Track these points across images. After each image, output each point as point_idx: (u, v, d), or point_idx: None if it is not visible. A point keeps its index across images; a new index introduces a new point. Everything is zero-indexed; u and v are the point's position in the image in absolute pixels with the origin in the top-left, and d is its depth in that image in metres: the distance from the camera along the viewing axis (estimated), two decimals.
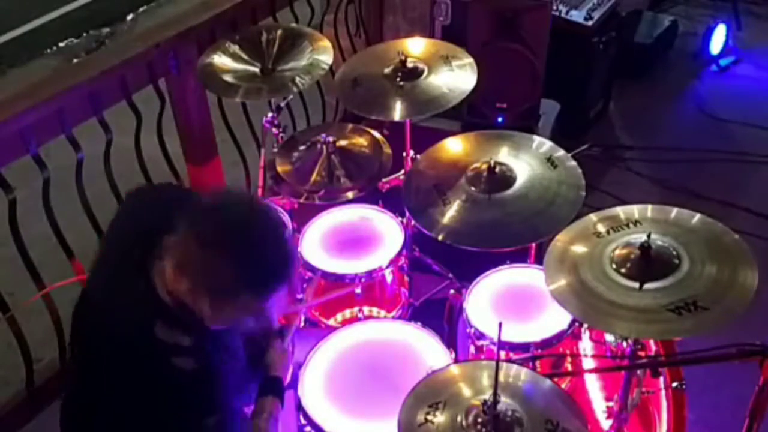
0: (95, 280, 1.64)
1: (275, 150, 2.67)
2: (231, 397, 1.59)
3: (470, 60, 2.49)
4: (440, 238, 2.02)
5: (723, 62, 4.59)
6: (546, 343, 2.06)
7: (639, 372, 1.83)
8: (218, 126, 3.07)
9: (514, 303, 2.19)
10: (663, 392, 1.96)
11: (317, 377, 1.94)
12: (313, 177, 2.53)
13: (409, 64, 2.47)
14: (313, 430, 1.84)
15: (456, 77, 2.44)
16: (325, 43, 2.66)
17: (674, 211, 1.79)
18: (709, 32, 4.55)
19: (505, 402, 1.54)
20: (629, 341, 1.78)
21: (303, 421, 1.86)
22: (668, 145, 3.94)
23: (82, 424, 1.63)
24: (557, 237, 1.82)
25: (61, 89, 2.39)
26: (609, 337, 1.99)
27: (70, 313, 1.64)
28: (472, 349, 2.15)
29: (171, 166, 2.95)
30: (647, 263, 1.64)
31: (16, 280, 2.57)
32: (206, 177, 3.03)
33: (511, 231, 2.01)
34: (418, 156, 2.36)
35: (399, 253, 2.38)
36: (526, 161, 2.17)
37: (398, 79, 2.45)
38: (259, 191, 2.83)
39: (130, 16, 5.60)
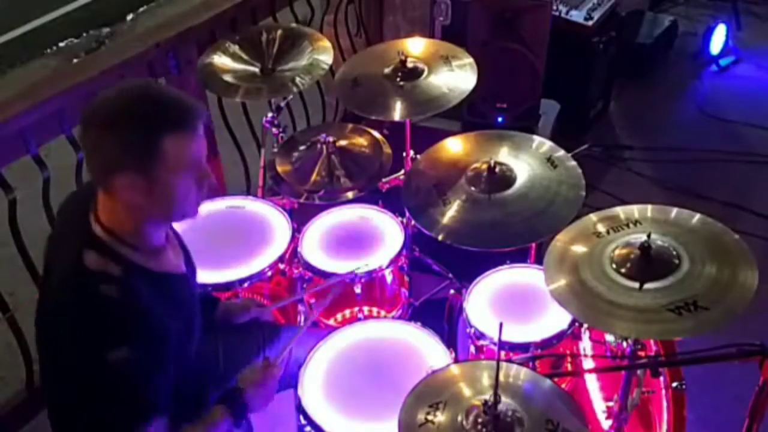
0: (47, 249, 1.66)
1: (275, 150, 2.67)
2: (158, 340, 1.52)
3: (470, 60, 2.50)
4: (440, 238, 2.02)
5: (723, 62, 4.60)
6: (546, 343, 2.06)
7: (639, 372, 1.83)
8: (218, 126, 3.07)
9: (514, 303, 2.19)
10: (663, 392, 1.96)
11: (317, 377, 1.94)
12: (313, 177, 2.53)
13: (409, 64, 2.47)
14: (313, 430, 1.84)
15: (456, 77, 2.44)
16: (325, 43, 2.66)
17: (674, 211, 1.79)
18: (709, 32, 4.55)
19: (505, 402, 1.54)
20: (629, 341, 1.78)
21: (303, 421, 1.86)
22: (668, 145, 3.94)
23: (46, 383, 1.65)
24: (557, 237, 1.82)
25: (61, 89, 2.39)
26: (609, 337, 1.99)
27: None
28: (472, 349, 2.15)
29: None
30: (647, 263, 1.64)
31: (16, 280, 2.57)
32: None
33: (511, 231, 2.01)
34: (418, 156, 2.36)
35: (399, 253, 2.37)
36: (526, 161, 2.17)
37: (398, 79, 2.45)
38: (259, 191, 2.83)
39: (130, 16, 5.60)
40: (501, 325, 1.51)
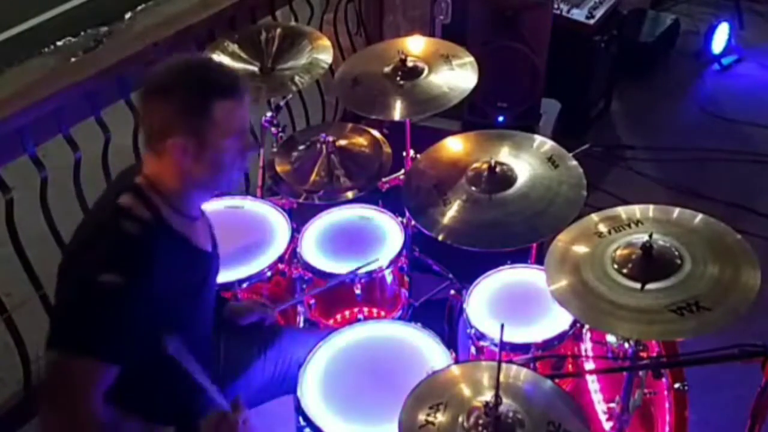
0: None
1: (274, 150, 2.66)
2: (155, 292, 1.55)
3: (471, 59, 2.49)
4: (440, 238, 2.01)
5: (725, 61, 4.59)
6: (547, 344, 2.05)
7: (641, 373, 1.82)
8: None
9: (515, 303, 2.18)
10: (665, 393, 1.95)
11: (317, 378, 1.92)
12: (313, 177, 2.52)
13: (410, 63, 2.46)
14: (312, 431, 1.82)
15: (456, 76, 2.43)
16: (325, 42, 2.65)
17: (676, 211, 1.78)
18: (711, 31, 4.54)
19: (506, 403, 1.53)
20: (631, 342, 1.77)
21: (302, 423, 1.85)
22: (670, 145, 3.93)
23: None
24: (558, 237, 1.81)
25: (58, 88, 2.38)
26: (610, 338, 1.98)
27: None
28: (472, 349, 2.13)
29: None
30: (649, 263, 1.63)
31: (13, 281, 2.56)
32: None
33: (512, 231, 2.00)
34: (418, 156, 2.35)
35: (399, 253, 2.36)
36: (526, 161, 2.16)
37: (398, 79, 2.44)
38: (258, 191, 2.82)
39: (128, 15, 5.59)
40: (502, 326, 1.50)
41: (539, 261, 2.29)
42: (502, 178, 2.10)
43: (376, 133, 2.69)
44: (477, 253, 1.98)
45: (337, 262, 2.35)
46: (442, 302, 2.52)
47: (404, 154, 2.65)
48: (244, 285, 2.25)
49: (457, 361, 1.98)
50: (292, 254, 2.40)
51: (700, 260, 1.63)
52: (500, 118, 3.21)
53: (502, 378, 1.52)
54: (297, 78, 2.51)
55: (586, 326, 2.11)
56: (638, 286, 1.61)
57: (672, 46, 4.66)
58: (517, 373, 1.66)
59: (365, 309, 2.39)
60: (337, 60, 2.76)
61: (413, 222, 2.24)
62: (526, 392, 1.61)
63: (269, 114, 2.67)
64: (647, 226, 1.73)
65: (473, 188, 2.10)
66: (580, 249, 1.74)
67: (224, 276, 2.24)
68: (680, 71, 4.57)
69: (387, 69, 2.48)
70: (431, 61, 2.50)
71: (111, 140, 2.62)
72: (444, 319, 2.41)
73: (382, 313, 2.42)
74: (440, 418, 1.55)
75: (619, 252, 1.68)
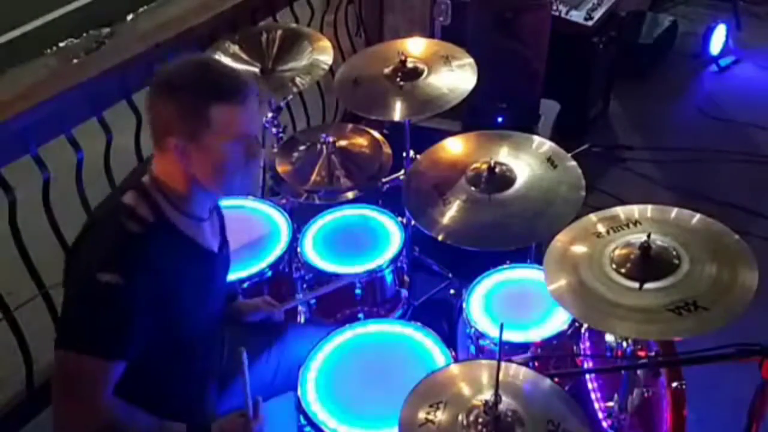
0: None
1: (275, 150, 2.67)
2: (157, 291, 1.55)
3: (470, 60, 2.50)
4: (440, 238, 2.02)
5: (723, 62, 4.60)
6: (546, 344, 2.06)
7: (639, 372, 1.83)
8: None
9: (514, 303, 2.19)
10: (663, 392, 1.96)
11: (317, 377, 1.93)
12: (313, 177, 2.53)
13: (409, 64, 2.47)
14: (312, 430, 1.84)
15: (456, 77, 2.45)
16: (325, 43, 2.66)
17: (674, 211, 1.79)
18: (709, 32, 4.55)
19: (506, 402, 1.54)
20: (629, 341, 1.78)
21: (303, 422, 1.86)
22: (668, 145, 3.94)
23: None
24: (557, 237, 1.82)
25: (60, 89, 2.38)
26: (609, 337, 1.99)
27: None
28: (472, 348, 2.15)
29: None
30: (647, 263, 1.64)
31: (15, 280, 2.56)
32: None
33: (511, 231, 2.01)
34: (418, 156, 2.37)
35: (399, 253, 2.37)
36: (526, 161, 2.17)
37: (398, 79, 2.45)
38: (259, 191, 2.83)
39: (130, 17, 5.60)
40: (502, 325, 1.51)
41: (538, 261, 2.30)
42: (502, 179, 2.11)
43: (376, 133, 2.70)
44: (476, 253, 1.99)
45: (338, 262, 2.36)
46: (442, 302, 2.53)
47: (404, 154, 2.66)
48: (245, 284, 2.26)
49: (456, 360, 2.00)
50: (292, 254, 2.41)
51: (698, 260, 1.64)
52: (499, 119, 3.22)
53: (501, 377, 1.52)
54: (298, 79, 2.52)
55: (585, 325, 2.12)
56: (636, 285, 1.62)
57: (670, 48, 4.68)
58: (516, 372, 1.67)
59: (365, 308, 2.40)
60: (337, 61, 2.77)
61: (413, 222, 2.25)
62: (525, 391, 1.62)
63: (270, 114, 2.69)
64: (645, 226, 1.74)
65: (473, 188, 2.11)
66: (579, 249, 1.75)
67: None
68: (678, 72, 4.58)
69: (387, 70, 2.49)
70: (431, 62, 2.51)
71: (113, 140, 2.63)
72: (444, 319, 2.42)
73: (382, 313, 2.43)
74: (440, 416, 1.56)
75: (617, 252, 1.69)
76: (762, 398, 1.63)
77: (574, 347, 2.18)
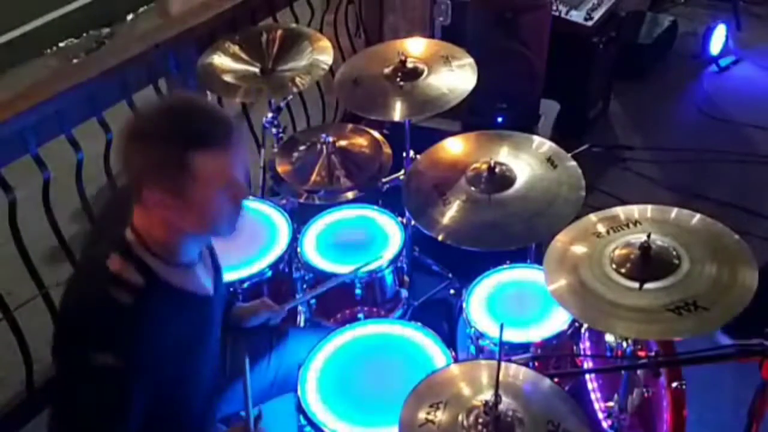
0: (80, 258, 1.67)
1: (275, 150, 2.67)
2: (153, 361, 1.47)
3: (470, 60, 2.50)
4: (440, 238, 2.02)
5: (723, 62, 4.60)
6: (546, 344, 2.06)
7: (639, 372, 1.83)
8: None
9: (514, 303, 2.19)
10: (663, 392, 1.96)
11: (317, 377, 1.93)
12: (313, 177, 2.53)
13: (409, 65, 2.47)
14: (312, 430, 1.84)
15: (456, 77, 2.45)
16: (325, 43, 2.66)
17: (674, 211, 1.79)
18: (709, 32, 4.55)
19: (506, 402, 1.55)
20: (629, 341, 1.78)
21: (303, 422, 1.86)
22: (668, 146, 3.94)
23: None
24: (557, 237, 1.82)
25: (60, 89, 2.39)
26: (609, 337, 1.99)
27: None
28: (472, 349, 2.15)
29: None
30: (647, 263, 1.64)
31: (15, 280, 2.57)
32: None
33: (511, 231, 2.01)
34: (418, 156, 2.37)
35: (399, 253, 2.37)
36: (526, 161, 2.17)
37: (398, 80, 2.45)
38: (259, 191, 2.83)
39: (130, 17, 5.59)
40: (502, 325, 1.51)
41: (538, 261, 2.30)
42: (502, 179, 2.11)
43: (376, 133, 2.70)
44: (476, 253, 1.99)
45: (338, 262, 2.36)
46: (442, 302, 2.53)
47: (404, 154, 2.66)
48: (245, 284, 2.26)
49: (456, 360, 2.00)
50: (292, 254, 2.41)
51: (698, 260, 1.64)
52: (499, 119, 3.22)
53: (501, 377, 1.53)
54: (297, 79, 2.52)
55: (585, 325, 2.13)
56: (636, 285, 1.62)
57: (670, 48, 4.67)
58: (516, 372, 1.67)
59: (365, 309, 2.40)
60: (337, 61, 2.77)
61: (413, 222, 2.25)
62: (525, 391, 1.62)
63: (270, 115, 2.69)
64: (645, 226, 1.74)
65: (473, 188, 2.11)
66: (579, 249, 1.75)
67: (225, 276, 2.25)
68: (678, 72, 4.58)
69: (387, 70, 2.49)
70: (431, 62, 2.51)
71: (113, 141, 2.63)
72: (444, 319, 2.42)
73: (382, 313, 2.44)
74: (440, 416, 1.56)
75: (617, 252, 1.69)
76: (762, 398, 1.64)
77: (574, 347, 2.18)
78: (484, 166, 2.12)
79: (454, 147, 2.28)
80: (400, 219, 2.49)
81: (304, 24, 3.30)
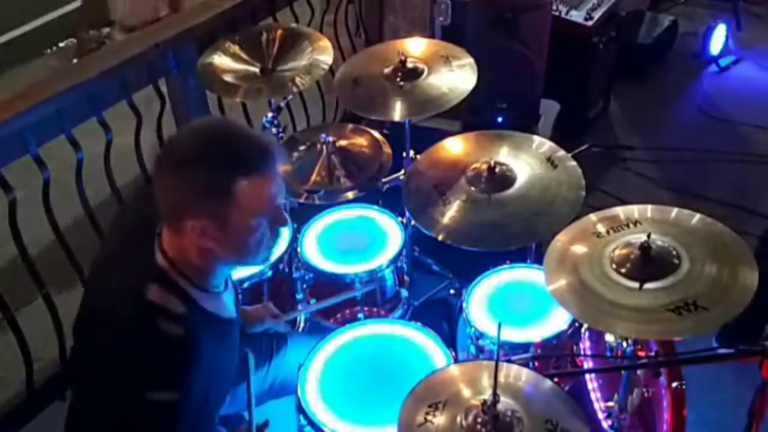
0: (97, 269, 1.62)
1: None
2: (206, 387, 1.46)
3: (470, 60, 2.50)
4: (440, 238, 2.02)
5: (723, 62, 4.60)
6: (546, 344, 2.06)
7: (639, 372, 1.83)
8: None
9: (514, 303, 2.19)
10: (663, 392, 1.96)
11: (317, 377, 1.93)
12: (314, 177, 2.53)
13: (409, 65, 2.47)
14: (312, 430, 1.84)
15: (456, 77, 2.44)
16: (325, 43, 2.66)
17: (674, 211, 1.79)
18: (709, 32, 4.55)
19: (504, 402, 1.54)
20: (629, 341, 1.78)
21: (303, 422, 1.86)
22: (668, 145, 3.94)
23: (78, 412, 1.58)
24: (557, 237, 1.82)
25: (60, 89, 2.39)
26: (609, 337, 1.99)
27: (70, 313, 1.63)
28: (472, 348, 2.15)
29: None
30: (647, 263, 1.63)
31: (15, 280, 2.57)
32: None
33: (511, 231, 2.01)
34: (418, 156, 2.37)
35: (399, 253, 2.37)
36: (526, 161, 2.17)
37: (398, 79, 2.45)
38: None
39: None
40: (500, 325, 1.51)
41: (538, 261, 2.30)
42: (502, 179, 2.11)
43: (376, 133, 2.70)
44: (476, 253, 1.99)
45: (338, 262, 2.36)
46: (442, 302, 2.53)
47: (404, 154, 2.66)
48: (245, 285, 2.26)
49: (456, 361, 2.00)
50: (292, 254, 2.41)
51: (698, 260, 1.64)
52: (499, 119, 3.22)
53: (500, 377, 1.53)
54: (297, 79, 2.52)
55: (585, 325, 2.13)
56: (636, 285, 1.62)
57: (670, 48, 4.67)
58: (515, 372, 1.67)
59: (365, 309, 2.40)
60: (337, 61, 2.77)
61: (413, 222, 2.25)
62: (524, 391, 1.62)
63: (270, 114, 2.68)
64: (645, 226, 1.74)
65: (473, 188, 2.11)
66: (579, 249, 1.75)
67: None
68: (678, 72, 4.58)
69: (387, 70, 2.49)
70: (431, 62, 2.51)
71: (113, 141, 2.63)
72: (444, 319, 2.42)
73: (382, 313, 2.44)
74: (439, 417, 1.56)
75: (617, 252, 1.69)
76: (762, 398, 1.64)
77: (574, 347, 2.18)
78: (484, 166, 2.12)
79: (454, 147, 2.28)
80: (400, 219, 2.50)
81: (304, 24, 3.30)
